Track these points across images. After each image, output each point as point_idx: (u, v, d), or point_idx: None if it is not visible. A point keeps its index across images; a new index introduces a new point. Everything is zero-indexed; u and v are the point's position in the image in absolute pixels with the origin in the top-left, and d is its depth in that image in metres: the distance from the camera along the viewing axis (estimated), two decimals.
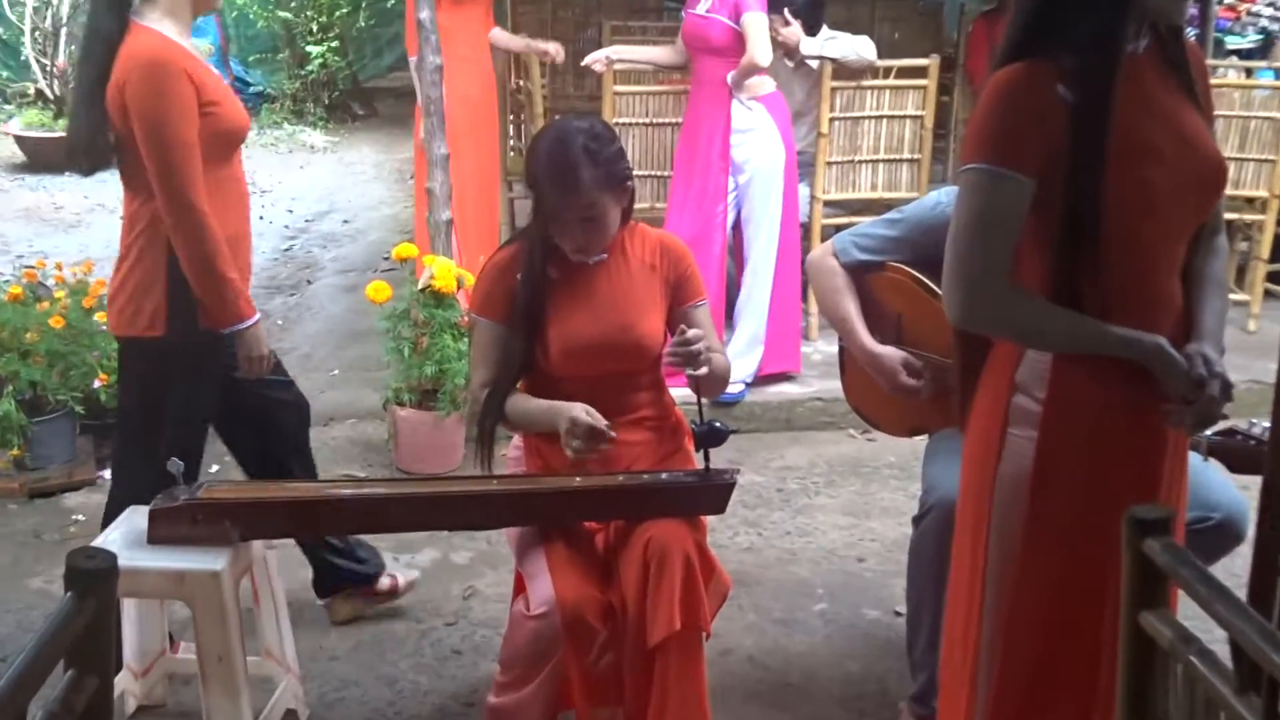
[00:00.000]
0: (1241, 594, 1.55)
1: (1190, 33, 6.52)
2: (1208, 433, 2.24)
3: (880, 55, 5.10)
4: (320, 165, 9.39)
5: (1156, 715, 1.49)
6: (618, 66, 4.85)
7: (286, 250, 7.07)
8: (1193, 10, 5.42)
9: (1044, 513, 1.90)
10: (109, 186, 8.61)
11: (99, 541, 2.52)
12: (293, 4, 10.55)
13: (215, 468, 4.06)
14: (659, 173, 4.92)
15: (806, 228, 5.03)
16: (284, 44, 10.73)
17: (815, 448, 4.51)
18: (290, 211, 7.95)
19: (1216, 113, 2.22)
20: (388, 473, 4.21)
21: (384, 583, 3.30)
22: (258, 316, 2.82)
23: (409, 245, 4.37)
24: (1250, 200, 5.25)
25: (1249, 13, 7.09)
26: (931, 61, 5.07)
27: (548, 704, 2.50)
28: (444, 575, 3.59)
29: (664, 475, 2.53)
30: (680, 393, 2.72)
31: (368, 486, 2.69)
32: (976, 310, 1.90)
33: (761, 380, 4.72)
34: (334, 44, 10.61)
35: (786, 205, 4.63)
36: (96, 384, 4.09)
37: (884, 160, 5.10)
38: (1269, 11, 7.06)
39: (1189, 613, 1.56)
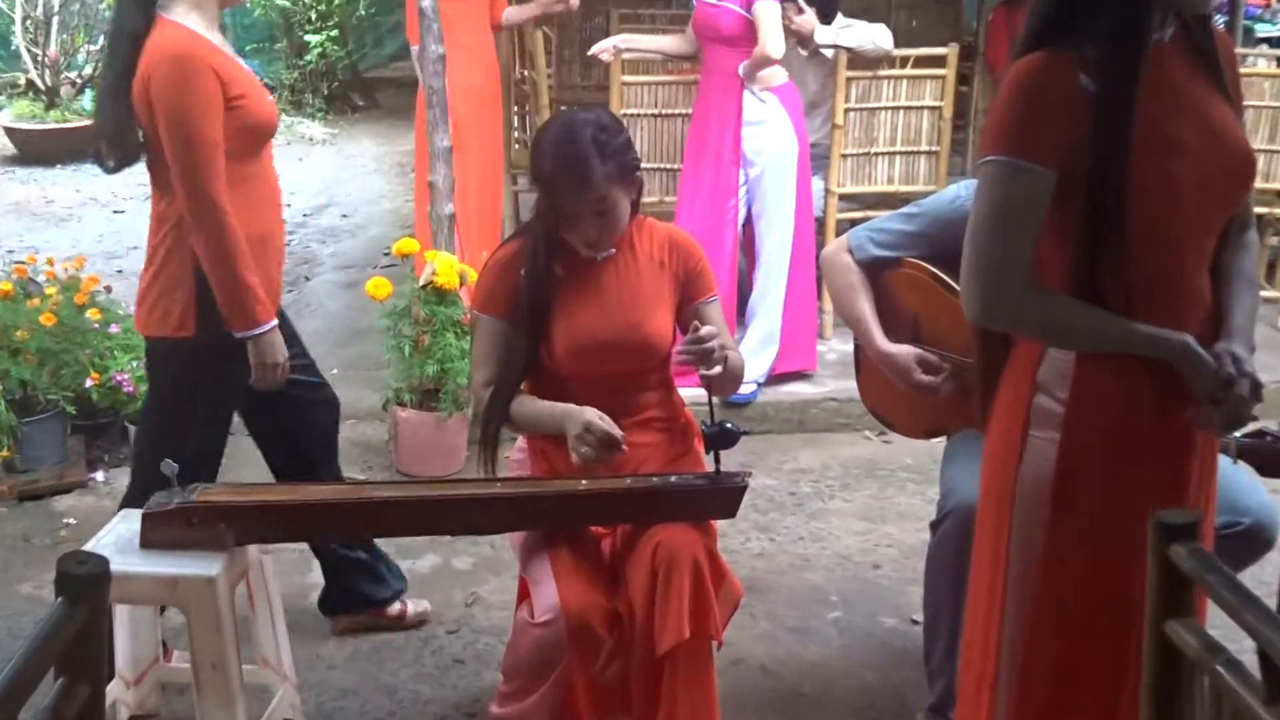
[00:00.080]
0: (1271, 602, 1.55)
1: (1218, 20, 6.52)
2: (1237, 434, 2.23)
3: (897, 44, 5.09)
4: (319, 158, 9.40)
5: None
6: (626, 56, 4.85)
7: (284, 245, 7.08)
8: None
9: (1067, 517, 1.90)
10: (101, 180, 8.60)
11: (90, 546, 2.52)
12: None
13: None
14: (668, 166, 4.92)
15: (821, 222, 5.03)
16: (281, 33, 10.74)
17: (830, 450, 4.51)
18: (288, 205, 7.92)
19: (1246, 103, 2.21)
20: (388, 475, 4.21)
21: (394, 608, 3.31)
22: (273, 324, 2.83)
23: (410, 240, 4.37)
24: None
25: None
26: (950, 50, 5.06)
27: (552, 715, 2.49)
28: (446, 581, 3.59)
29: (673, 478, 2.53)
30: (690, 393, 2.72)
31: (367, 489, 2.69)
32: (995, 307, 1.90)
33: (774, 380, 4.72)
34: (333, 33, 10.61)
35: (800, 199, 4.62)
36: (88, 383, 4.10)
37: (901, 153, 5.09)
38: None
39: (1217, 622, 1.55)
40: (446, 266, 4.12)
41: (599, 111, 2.57)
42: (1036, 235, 1.86)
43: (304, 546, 3.58)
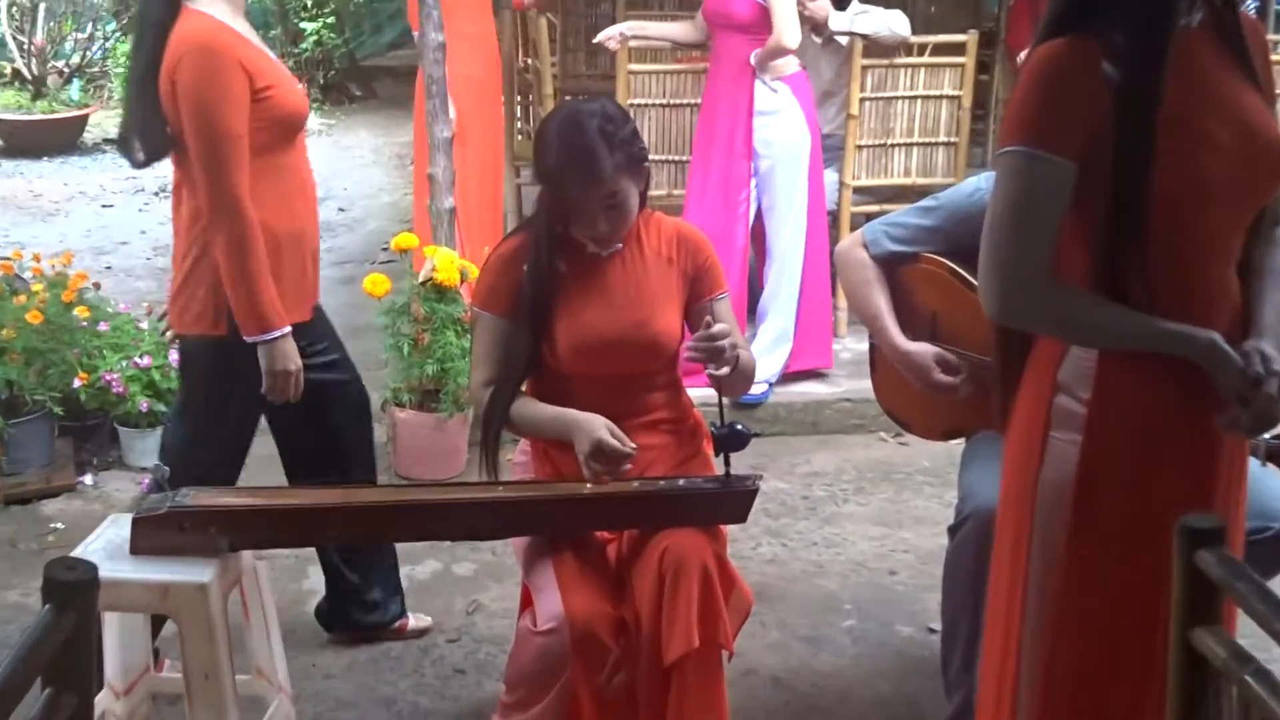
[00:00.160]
0: None
1: (1249, 6, 6.51)
2: (1266, 436, 2.23)
3: (915, 30, 5.10)
4: (315, 150, 9.31)
5: None
6: (633, 44, 4.86)
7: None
8: None
9: (1089, 522, 1.90)
10: (89, 173, 8.66)
11: (79, 551, 2.53)
12: None
13: None
14: (677, 157, 4.92)
15: (835, 216, 5.03)
16: (276, 20, 10.75)
17: (844, 452, 4.51)
18: None
19: (1278, 91, 2.20)
20: (386, 478, 4.21)
21: (395, 624, 3.32)
22: (286, 330, 2.83)
23: (409, 235, 4.38)
24: None
25: None
26: (970, 37, 5.06)
27: None
28: (446, 588, 3.60)
29: (681, 481, 2.53)
30: (699, 393, 2.72)
31: (365, 493, 2.70)
32: (1014, 303, 1.90)
33: (787, 380, 4.72)
34: (330, 20, 10.63)
35: (812, 193, 4.63)
36: (76, 383, 4.11)
37: (918, 144, 5.09)
38: None
39: (1246, 630, 1.55)
40: (446, 262, 4.13)
41: (604, 101, 2.57)
42: (1057, 229, 1.86)
43: (299, 552, 3.59)
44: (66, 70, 9.36)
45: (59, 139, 8.99)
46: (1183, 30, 1.84)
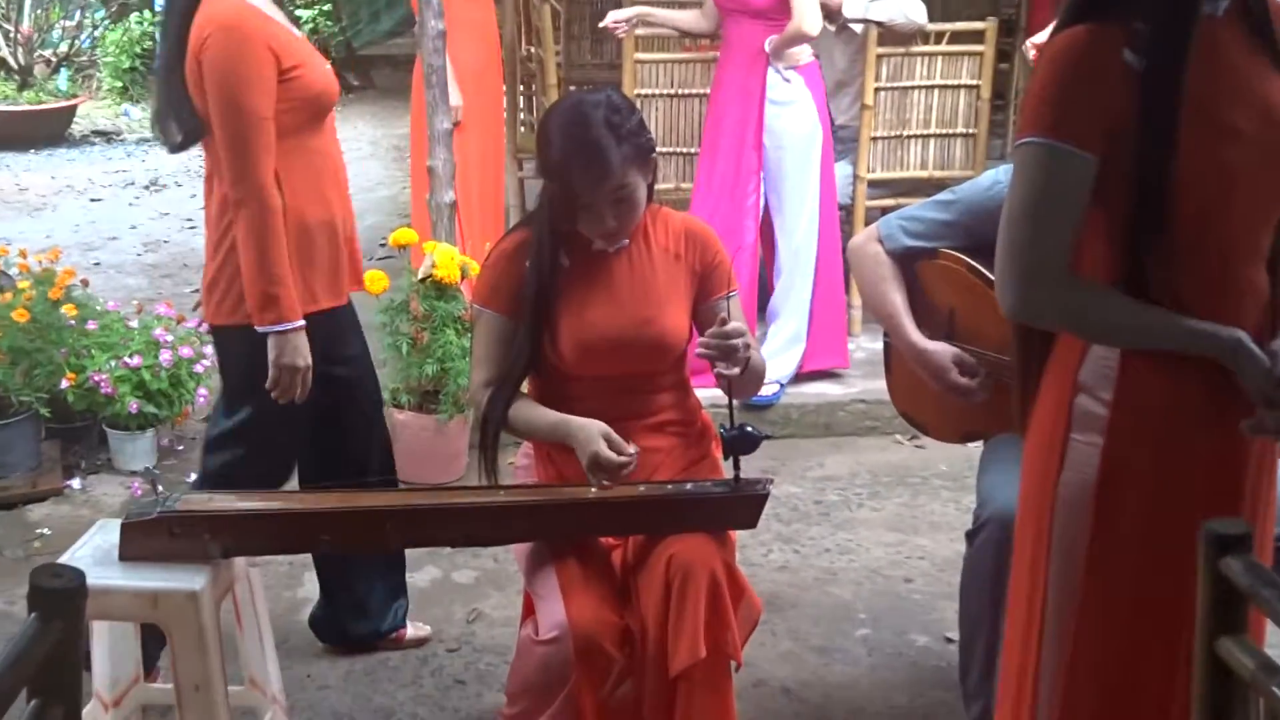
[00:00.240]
0: None
1: None
2: None
3: (932, 17, 5.09)
4: None
5: None
6: (640, 31, 4.86)
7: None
8: None
9: (1111, 527, 1.90)
10: (78, 166, 8.68)
11: (66, 558, 2.53)
12: None
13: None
14: (685, 150, 4.93)
15: (849, 210, 5.03)
16: None
17: (858, 455, 4.51)
18: None
19: None
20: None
21: (393, 633, 3.33)
22: (299, 323, 2.83)
23: (408, 230, 4.39)
24: None
25: None
26: (989, 25, 5.06)
27: None
28: (446, 596, 3.61)
29: (689, 485, 2.54)
30: (708, 394, 2.72)
31: (362, 497, 2.70)
32: (1032, 300, 1.90)
33: (799, 380, 4.72)
34: (326, 7, 10.65)
35: (824, 187, 4.62)
36: (64, 384, 4.12)
37: (935, 135, 5.09)
38: None
39: (1275, 640, 1.55)
40: (446, 258, 4.13)
41: (608, 92, 2.57)
42: (1077, 224, 1.86)
43: (294, 558, 3.60)
44: (54, 59, 9.39)
45: (46, 130, 9.01)
46: (1208, 17, 1.83)
